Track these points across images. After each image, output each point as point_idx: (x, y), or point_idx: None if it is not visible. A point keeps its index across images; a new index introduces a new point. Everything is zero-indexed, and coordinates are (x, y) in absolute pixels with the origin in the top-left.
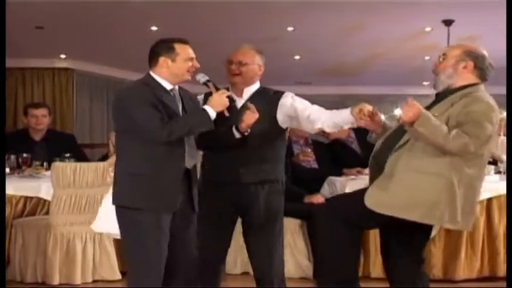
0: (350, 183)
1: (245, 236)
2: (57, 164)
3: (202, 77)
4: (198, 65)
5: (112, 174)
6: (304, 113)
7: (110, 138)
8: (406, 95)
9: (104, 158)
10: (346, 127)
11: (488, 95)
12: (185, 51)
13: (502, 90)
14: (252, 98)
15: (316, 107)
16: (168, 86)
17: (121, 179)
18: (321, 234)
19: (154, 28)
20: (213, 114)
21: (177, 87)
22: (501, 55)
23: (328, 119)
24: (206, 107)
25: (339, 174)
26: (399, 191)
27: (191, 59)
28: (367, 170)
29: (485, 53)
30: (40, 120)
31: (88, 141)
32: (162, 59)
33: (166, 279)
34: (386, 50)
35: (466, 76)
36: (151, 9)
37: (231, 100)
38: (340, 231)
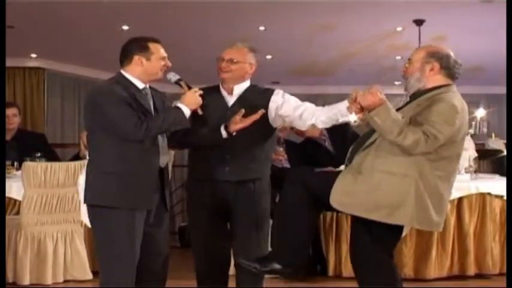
0: None
1: (232, 233)
2: (28, 164)
3: (173, 76)
4: (169, 64)
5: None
6: (296, 110)
7: (82, 137)
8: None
9: (75, 157)
10: (341, 120)
11: (459, 96)
12: (159, 50)
13: (475, 90)
14: (243, 96)
15: (308, 104)
16: (140, 85)
17: (94, 178)
18: (285, 199)
19: (125, 27)
20: (187, 112)
21: (148, 85)
22: (471, 54)
23: (321, 114)
24: (180, 105)
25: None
26: (364, 191)
27: (164, 58)
28: (339, 169)
29: (449, 52)
30: (11, 120)
31: (59, 141)
32: (136, 58)
33: (138, 278)
34: (357, 50)
35: (435, 78)
36: (122, 8)
37: (203, 98)
38: (303, 201)
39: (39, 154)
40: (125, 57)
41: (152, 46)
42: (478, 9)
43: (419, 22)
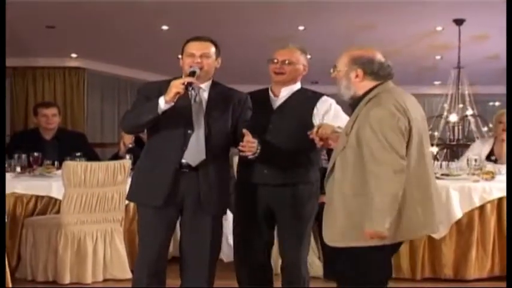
0: None
1: (278, 237)
2: (68, 163)
3: (191, 68)
4: (198, 61)
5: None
6: (334, 124)
7: (122, 137)
8: (417, 94)
9: (115, 157)
10: None
11: (398, 91)
12: (189, 48)
13: None
14: (289, 99)
15: (344, 118)
16: None
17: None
18: None
19: (165, 27)
20: (161, 103)
21: (204, 85)
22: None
23: None
24: (160, 97)
25: None
26: (340, 219)
27: (191, 55)
28: None
29: (372, 54)
30: (50, 120)
31: (99, 141)
32: (180, 58)
33: (180, 274)
34: (397, 50)
35: (362, 84)
36: (162, 8)
37: (188, 86)
38: None
39: (79, 154)
40: None
41: (187, 45)
42: None
43: (459, 22)
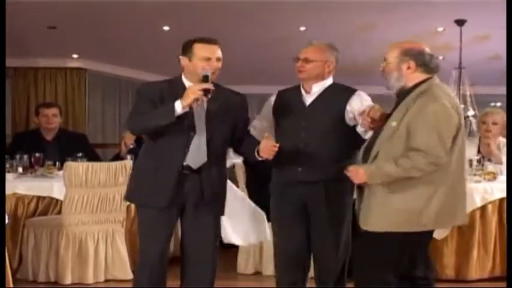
0: None
1: (312, 235)
2: (70, 164)
3: (204, 73)
4: (215, 65)
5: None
6: None
7: (123, 138)
8: None
9: (116, 157)
10: None
11: (444, 88)
12: (202, 51)
13: None
14: (321, 95)
15: None
16: (189, 85)
17: (131, 175)
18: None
19: (166, 28)
20: (178, 108)
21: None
22: None
23: None
24: (177, 101)
25: None
26: (382, 205)
27: (208, 58)
28: None
29: (423, 47)
30: (51, 120)
31: (100, 141)
32: (182, 59)
33: (182, 276)
34: None
35: (413, 76)
36: (163, 9)
37: (206, 93)
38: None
39: (80, 154)
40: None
41: (197, 46)
42: None
43: (460, 22)
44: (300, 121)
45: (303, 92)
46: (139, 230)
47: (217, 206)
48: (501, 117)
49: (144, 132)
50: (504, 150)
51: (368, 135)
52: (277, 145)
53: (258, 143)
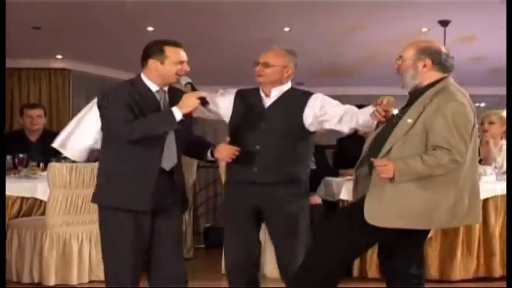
0: (346, 184)
1: (271, 238)
2: (53, 165)
3: (184, 80)
4: (187, 69)
5: None
6: (336, 114)
7: None
8: (403, 95)
9: None
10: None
11: (458, 87)
12: (175, 54)
13: (499, 91)
14: (280, 98)
15: (348, 106)
16: (154, 88)
17: (100, 178)
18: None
19: (150, 28)
20: (178, 115)
21: (165, 88)
22: (497, 55)
23: (361, 118)
24: (174, 108)
25: (336, 175)
26: (392, 200)
27: (181, 62)
28: None
29: (440, 46)
30: (35, 121)
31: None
32: (151, 61)
33: (155, 279)
34: (382, 51)
35: (429, 74)
36: (147, 9)
37: (204, 102)
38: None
39: (64, 155)
40: (143, 59)
41: (168, 50)
42: (504, 9)
43: (444, 23)
44: (258, 123)
45: (262, 94)
46: (115, 234)
47: (187, 205)
48: (498, 117)
49: (140, 139)
50: (504, 153)
51: (347, 130)
52: (238, 149)
53: (209, 144)
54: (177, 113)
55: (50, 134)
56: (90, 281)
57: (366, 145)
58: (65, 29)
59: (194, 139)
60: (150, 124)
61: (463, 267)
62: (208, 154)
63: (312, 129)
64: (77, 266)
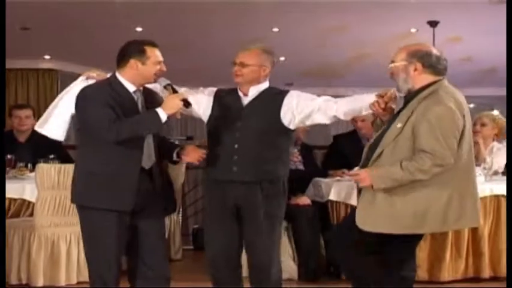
0: (335, 184)
1: (244, 236)
2: (41, 166)
3: (163, 81)
4: (164, 69)
5: None
6: (314, 106)
7: None
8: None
9: None
10: (364, 113)
11: (452, 89)
12: (155, 55)
13: (488, 91)
14: (257, 98)
15: (324, 97)
16: (131, 88)
17: (79, 178)
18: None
19: (139, 29)
20: (163, 117)
21: (141, 88)
22: (485, 56)
23: (343, 105)
24: (158, 110)
25: (324, 175)
26: (384, 206)
27: (159, 62)
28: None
29: (430, 49)
30: (24, 121)
31: (72, 142)
32: (132, 61)
33: (132, 278)
34: (371, 51)
35: (421, 77)
36: (135, 10)
37: (187, 103)
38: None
39: (52, 156)
40: (121, 59)
41: (149, 50)
42: (492, 10)
43: (433, 23)
44: (236, 122)
45: (240, 94)
46: (97, 237)
47: (174, 204)
48: (490, 119)
49: (125, 139)
50: (496, 154)
51: (328, 121)
52: (205, 153)
53: (176, 146)
54: (162, 115)
55: (39, 134)
56: (78, 282)
57: (365, 148)
58: (53, 29)
59: (161, 139)
60: (136, 125)
61: (451, 268)
62: (174, 155)
63: (291, 127)
64: (65, 267)
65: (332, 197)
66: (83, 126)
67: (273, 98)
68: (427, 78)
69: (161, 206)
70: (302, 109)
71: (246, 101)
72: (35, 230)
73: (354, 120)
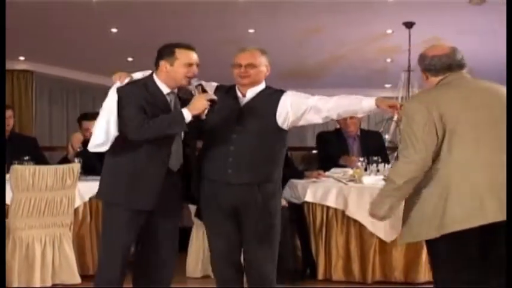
0: (311, 186)
1: (243, 237)
2: (16, 167)
3: (195, 81)
4: (195, 71)
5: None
6: (307, 106)
7: (71, 139)
8: (368, 96)
9: (64, 160)
10: (360, 115)
11: (447, 84)
12: (185, 57)
13: None
14: (255, 98)
15: (317, 96)
16: (165, 90)
17: (107, 175)
18: None
19: (114, 30)
20: (188, 117)
21: (175, 90)
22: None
23: (338, 106)
24: (184, 109)
25: (301, 177)
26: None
27: (190, 64)
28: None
29: (426, 51)
30: (8, 122)
31: (47, 144)
32: (162, 63)
33: (145, 276)
34: (347, 53)
35: (429, 82)
36: (110, 10)
37: (213, 103)
38: None
39: (27, 157)
40: (156, 61)
41: (178, 52)
42: (468, 11)
43: (409, 24)
44: (233, 123)
45: (239, 94)
46: (111, 231)
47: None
48: None
49: (152, 139)
50: None
51: (321, 120)
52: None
53: None
54: (187, 115)
55: (18, 136)
56: (54, 285)
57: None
58: (28, 30)
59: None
60: (160, 125)
61: (428, 270)
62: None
63: (285, 127)
64: (40, 270)
65: (308, 198)
66: (118, 125)
67: (269, 99)
68: (434, 80)
69: (179, 207)
70: (296, 109)
71: (243, 101)
72: (10, 232)
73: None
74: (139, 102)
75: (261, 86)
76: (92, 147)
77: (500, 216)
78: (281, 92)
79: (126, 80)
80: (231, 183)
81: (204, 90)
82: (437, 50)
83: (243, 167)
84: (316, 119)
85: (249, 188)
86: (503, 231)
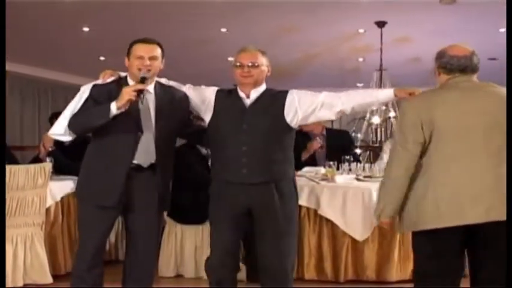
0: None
1: (259, 239)
2: None
3: (142, 74)
4: (147, 63)
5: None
6: (318, 103)
7: (43, 139)
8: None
9: (35, 160)
10: (374, 107)
11: (448, 86)
12: (136, 50)
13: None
14: (259, 99)
15: (325, 93)
16: (132, 84)
17: (80, 171)
18: None
19: (85, 29)
20: (113, 108)
21: (151, 86)
22: (433, 56)
23: (352, 100)
24: (112, 103)
25: None
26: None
27: (141, 57)
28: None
29: (445, 49)
30: None
31: (18, 143)
32: (126, 60)
33: (125, 275)
34: (320, 52)
35: (439, 79)
36: (82, 9)
37: (140, 94)
38: None
39: None
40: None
41: (134, 46)
42: (440, 10)
43: (381, 24)
44: (241, 124)
45: (242, 95)
46: (81, 226)
47: (167, 203)
48: None
49: (84, 131)
50: None
51: (334, 116)
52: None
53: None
54: (113, 107)
55: None
56: (25, 285)
57: None
58: None
59: (195, 129)
60: (87, 117)
61: (400, 268)
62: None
63: (294, 125)
64: (11, 270)
65: None
66: None
67: (275, 98)
68: (444, 78)
69: (156, 204)
70: (305, 106)
71: (248, 102)
72: None
73: None
74: (96, 98)
75: (264, 86)
76: (51, 133)
77: (485, 218)
78: (286, 91)
79: (110, 79)
80: (247, 183)
81: (142, 82)
82: (459, 50)
83: (258, 166)
84: (328, 115)
85: (265, 187)
86: (491, 233)
